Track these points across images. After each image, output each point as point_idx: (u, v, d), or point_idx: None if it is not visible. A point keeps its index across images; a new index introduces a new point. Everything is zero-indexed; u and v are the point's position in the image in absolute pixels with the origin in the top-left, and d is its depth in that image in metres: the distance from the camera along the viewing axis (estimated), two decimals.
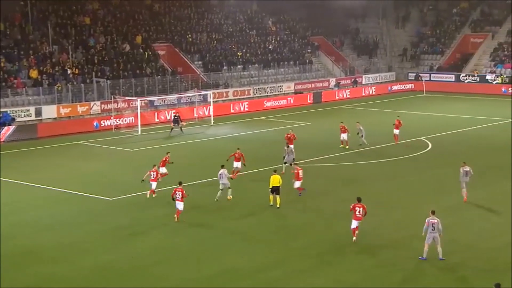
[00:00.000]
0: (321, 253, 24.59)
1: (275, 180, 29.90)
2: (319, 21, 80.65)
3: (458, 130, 49.89)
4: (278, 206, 29.90)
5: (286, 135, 40.04)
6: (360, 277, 22.43)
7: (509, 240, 25.63)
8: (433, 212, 23.62)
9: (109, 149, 45.04)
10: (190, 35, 67.23)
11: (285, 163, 35.98)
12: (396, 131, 44.45)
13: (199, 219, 28.68)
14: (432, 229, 23.21)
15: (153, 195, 31.73)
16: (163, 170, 33.66)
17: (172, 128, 49.98)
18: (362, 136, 43.37)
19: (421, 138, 46.50)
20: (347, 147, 43.11)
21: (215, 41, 68.70)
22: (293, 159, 35.81)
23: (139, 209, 30.52)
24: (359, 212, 25.30)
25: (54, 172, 38.24)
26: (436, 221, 23.26)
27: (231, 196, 30.75)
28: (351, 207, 25.53)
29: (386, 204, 30.69)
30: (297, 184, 31.56)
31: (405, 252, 24.49)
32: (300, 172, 31.59)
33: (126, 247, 25.44)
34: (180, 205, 28.11)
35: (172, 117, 51.11)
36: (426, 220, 23.48)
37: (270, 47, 72.15)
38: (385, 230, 27.07)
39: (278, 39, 74.20)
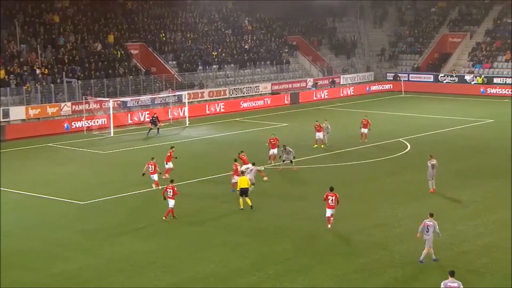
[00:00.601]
0: (297, 258, 24.03)
1: (243, 182, 29.51)
2: (296, 20, 79.80)
3: (437, 131, 49.44)
4: (251, 205, 29.30)
5: (269, 140, 39.02)
6: (337, 282, 21.83)
7: (488, 242, 25.44)
8: (431, 215, 23.60)
9: (80, 151, 44.03)
10: (164, 34, 66.06)
11: (283, 161, 36.95)
12: (363, 130, 44.39)
13: (172, 224, 27.94)
14: (426, 231, 23.23)
15: (159, 187, 31.72)
16: (169, 165, 34.34)
17: (150, 129, 49.34)
18: (327, 133, 43.52)
19: (400, 139, 45.93)
20: (322, 146, 42.96)
21: (189, 41, 67.60)
22: (294, 156, 36.90)
23: (111, 213, 29.87)
24: (332, 200, 26.49)
25: (23, 175, 37.27)
26: (431, 223, 23.25)
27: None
28: (325, 196, 26.67)
29: (366, 207, 30.11)
30: (236, 179, 30.76)
31: (386, 256, 23.97)
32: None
33: (97, 253, 24.77)
34: (171, 203, 27.92)
35: (150, 118, 50.36)
36: (423, 222, 23.42)
37: (246, 47, 71.16)
38: (365, 233, 26.48)
39: (254, 38, 73.21)
